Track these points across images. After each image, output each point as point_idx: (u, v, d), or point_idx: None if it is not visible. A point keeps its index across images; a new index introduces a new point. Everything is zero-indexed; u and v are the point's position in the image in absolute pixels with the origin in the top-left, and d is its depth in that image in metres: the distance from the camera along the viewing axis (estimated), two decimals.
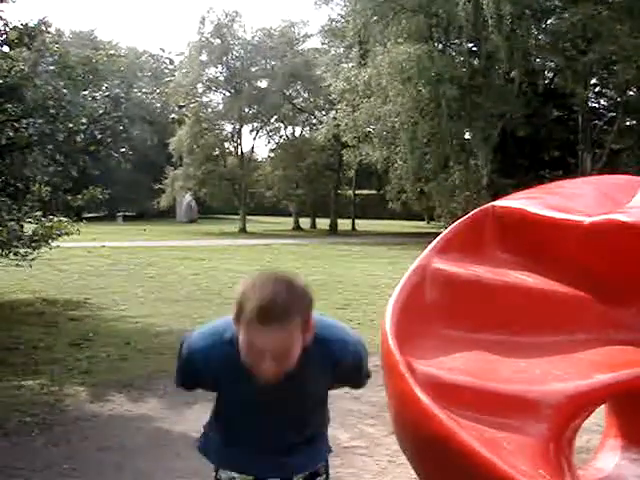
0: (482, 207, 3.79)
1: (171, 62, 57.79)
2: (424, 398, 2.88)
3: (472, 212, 3.83)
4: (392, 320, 3.26)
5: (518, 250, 3.64)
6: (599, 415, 4.18)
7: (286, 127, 48.37)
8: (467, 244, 3.67)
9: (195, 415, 5.84)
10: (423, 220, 46.20)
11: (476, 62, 31.45)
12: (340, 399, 5.94)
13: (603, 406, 4.00)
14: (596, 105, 36.31)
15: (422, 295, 3.47)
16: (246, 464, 2.59)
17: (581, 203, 3.76)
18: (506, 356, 3.28)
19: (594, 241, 3.31)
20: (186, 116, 18.79)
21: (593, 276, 3.42)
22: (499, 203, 3.72)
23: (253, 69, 45.04)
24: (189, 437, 5.31)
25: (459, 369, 3.15)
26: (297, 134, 48.44)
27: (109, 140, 10.95)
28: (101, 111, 10.60)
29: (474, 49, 32.20)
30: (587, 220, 3.32)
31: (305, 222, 47.40)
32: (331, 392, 6.10)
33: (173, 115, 16.67)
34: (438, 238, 3.73)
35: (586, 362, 3.17)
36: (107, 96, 10.96)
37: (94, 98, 10.90)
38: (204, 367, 2.39)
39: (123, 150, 11.60)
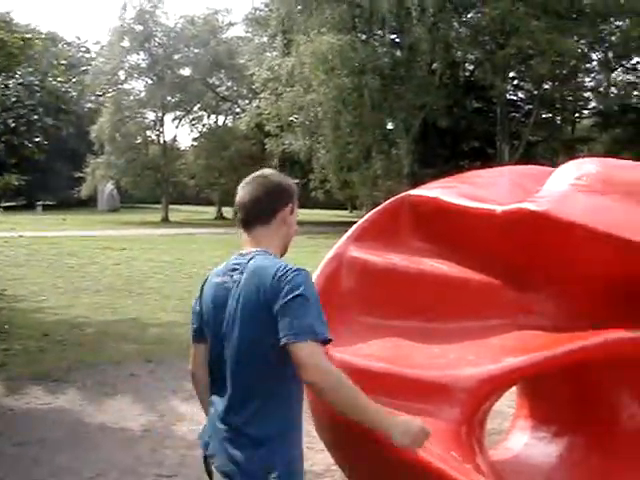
0: (397, 196, 3.85)
1: (87, 51, 56.50)
2: None
3: (388, 201, 3.88)
4: None
5: (433, 238, 3.71)
6: (512, 397, 4.31)
7: (209, 116, 47.94)
8: (383, 233, 3.72)
9: (115, 406, 5.78)
10: (346, 209, 46.46)
11: (399, 53, 31.78)
12: None
13: (515, 389, 4.13)
14: (514, 98, 37.21)
15: (338, 283, 3.51)
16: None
17: (495, 192, 3.85)
18: (421, 342, 3.35)
19: (506, 229, 3.40)
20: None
21: (505, 263, 3.51)
22: (414, 192, 3.79)
23: (176, 57, 44.40)
24: (109, 429, 5.25)
25: (375, 356, 3.20)
26: (220, 123, 48.06)
27: (23, 129, 10.63)
28: (14, 99, 10.27)
29: (397, 41, 32.52)
30: (499, 209, 3.41)
31: (228, 211, 47.06)
32: None
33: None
34: (355, 226, 3.77)
35: (498, 347, 3.26)
36: (20, 84, 10.62)
37: (7, 86, 10.56)
38: None
39: (38, 139, 11.28)
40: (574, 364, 3.30)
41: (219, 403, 2.39)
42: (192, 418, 5.17)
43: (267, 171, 2.65)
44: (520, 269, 3.47)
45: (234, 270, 2.47)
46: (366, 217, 3.86)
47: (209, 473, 2.45)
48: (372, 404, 2.28)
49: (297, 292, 2.23)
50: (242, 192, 2.58)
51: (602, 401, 3.81)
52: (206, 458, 2.45)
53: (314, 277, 3.49)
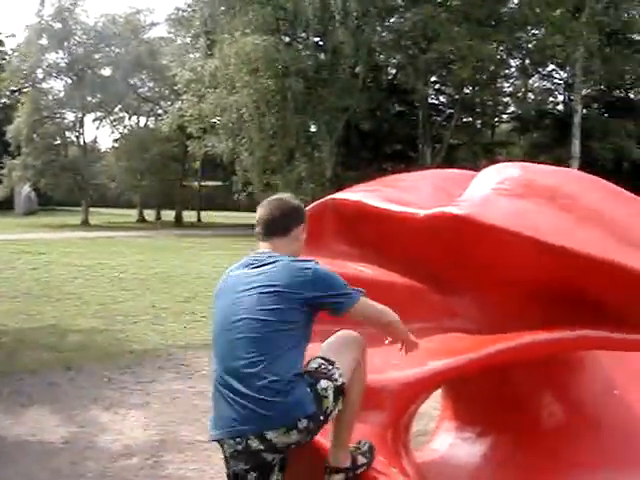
0: (321, 200, 3.83)
1: (1, 44, 54.64)
2: None
3: (311, 205, 3.86)
4: None
5: (357, 242, 3.71)
6: (438, 399, 4.34)
7: (130, 117, 47.07)
8: (310, 237, 3.69)
9: (33, 417, 5.57)
10: None
11: (322, 56, 31.86)
12: (183, 394, 5.87)
13: (440, 390, 4.17)
14: (436, 102, 37.78)
15: None
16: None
17: (418, 196, 3.87)
18: None
19: (429, 233, 3.42)
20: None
21: (429, 267, 3.54)
22: (337, 196, 3.77)
23: (96, 56, 43.40)
24: (26, 442, 5.05)
25: None
26: (142, 124, 47.30)
27: None
28: None
29: (320, 44, 32.61)
30: (422, 213, 3.42)
31: (150, 214, 46.38)
32: (175, 387, 5.96)
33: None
34: None
35: (423, 350, 3.26)
36: None
37: None
38: None
39: None
40: (497, 365, 3.34)
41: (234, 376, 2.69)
42: (114, 428, 5.02)
43: (284, 195, 3.23)
44: (444, 273, 3.50)
45: (253, 263, 2.92)
46: None
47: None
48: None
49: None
50: (261, 211, 3.06)
51: (524, 400, 3.88)
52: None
53: None
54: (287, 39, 31.78)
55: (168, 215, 45.40)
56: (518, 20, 30.23)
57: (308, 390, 2.66)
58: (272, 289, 2.76)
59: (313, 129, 31.43)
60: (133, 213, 46.56)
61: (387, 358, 3.22)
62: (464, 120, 37.67)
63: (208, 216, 47.14)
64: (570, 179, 3.44)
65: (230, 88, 29.22)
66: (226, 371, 2.74)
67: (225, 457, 2.77)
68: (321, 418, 2.68)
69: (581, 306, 3.03)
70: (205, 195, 50.71)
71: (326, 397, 2.68)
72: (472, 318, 3.45)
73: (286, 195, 3.21)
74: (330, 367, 2.78)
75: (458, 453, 3.96)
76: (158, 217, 46.90)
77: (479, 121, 40.13)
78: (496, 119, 42.24)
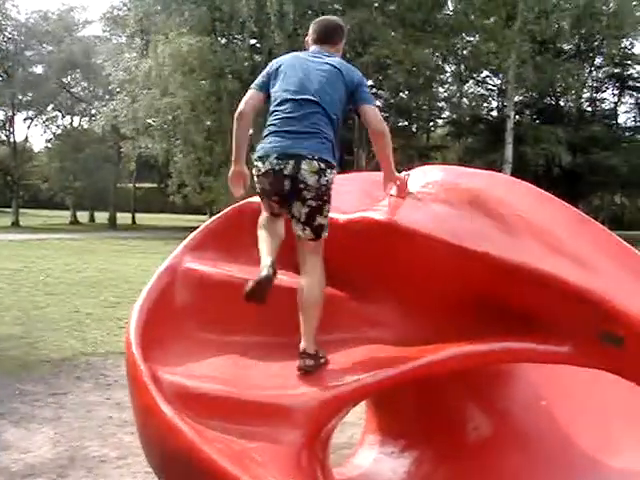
0: (239, 203, 3.64)
1: None
2: (167, 410, 2.66)
3: (228, 208, 3.66)
4: (137, 325, 3.01)
5: (280, 249, 3.51)
6: (363, 409, 4.18)
7: (64, 117, 46.15)
8: (222, 242, 3.49)
9: None
10: (205, 214, 45.90)
11: (258, 58, 31.60)
12: (100, 406, 5.57)
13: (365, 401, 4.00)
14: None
15: (172, 297, 3.25)
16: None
17: (342, 201, 3.70)
18: (260, 359, 3.14)
19: (349, 239, 3.26)
20: None
21: (350, 274, 3.37)
22: (256, 200, 3.57)
23: (27, 53, 42.40)
24: None
25: (209, 376, 2.96)
26: (75, 124, 46.37)
27: None
28: None
29: (257, 45, 32.37)
30: (342, 218, 3.26)
31: (83, 216, 45.48)
32: (91, 399, 5.65)
33: None
34: (191, 236, 3.53)
35: (342, 363, 3.10)
36: None
37: None
38: None
39: None
40: (422, 378, 3.19)
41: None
42: (20, 445, 4.69)
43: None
44: (365, 280, 3.34)
45: (316, 56, 3.44)
46: (203, 226, 3.62)
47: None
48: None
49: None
50: (322, 21, 3.71)
51: (449, 412, 3.75)
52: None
53: (145, 290, 3.22)
54: (223, 40, 31.46)
55: (102, 217, 44.54)
56: (453, 26, 30.57)
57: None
58: (335, 71, 3.31)
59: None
60: (66, 215, 45.56)
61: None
62: (400, 124, 37.90)
63: (143, 218, 46.40)
64: (496, 183, 3.30)
65: (164, 89, 28.77)
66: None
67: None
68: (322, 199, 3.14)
69: (509, 316, 2.90)
70: (140, 197, 50.03)
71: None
72: (395, 327, 3.28)
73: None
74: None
75: (381, 468, 3.80)
76: (92, 219, 46.00)
77: (414, 125, 40.47)
78: (431, 123, 42.73)
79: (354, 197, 3.73)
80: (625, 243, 2.83)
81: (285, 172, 3.09)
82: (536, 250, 2.84)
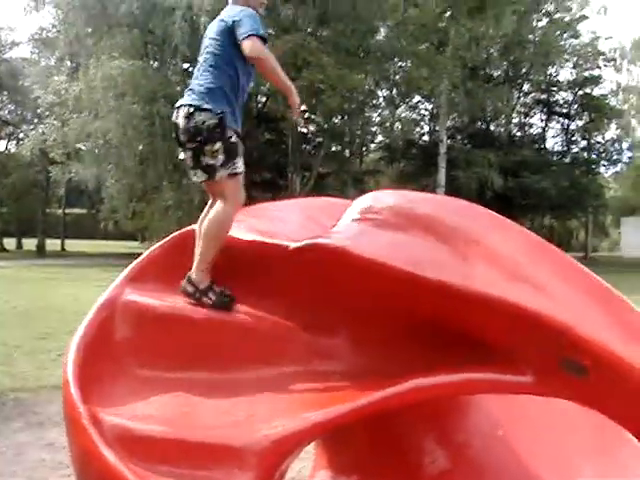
0: (181, 230, 3.47)
1: None
2: (109, 455, 2.47)
3: (170, 236, 3.49)
4: (75, 364, 2.81)
5: (223, 277, 3.35)
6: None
7: None
8: (165, 272, 3.31)
9: None
10: (137, 240, 45.14)
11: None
12: (31, 447, 5.25)
13: None
14: (304, 130, 37.92)
15: (112, 332, 3.05)
16: None
17: (286, 227, 3.58)
18: (208, 397, 2.96)
19: (299, 267, 3.11)
20: None
21: (299, 304, 3.22)
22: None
23: None
24: None
25: (154, 417, 2.77)
26: (2, 148, 45.20)
27: None
28: None
29: (190, 69, 32.14)
30: (292, 245, 3.12)
31: (10, 243, 44.16)
32: (21, 440, 5.31)
33: None
34: (132, 265, 3.33)
35: (294, 399, 2.95)
36: None
37: None
38: None
39: None
40: (377, 412, 3.05)
41: None
42: None
43: None
44: (315, 310, 3.20)
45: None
46: (145, 255, 3.43)
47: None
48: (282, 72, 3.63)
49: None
50: None
51: (404, 445, 3.62)
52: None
53: (83, 325, 3.02)
54: (155, 64, 31.12)
55: (30, 244, 43.32)
56: (386, 52, 30.91)
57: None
58: (220, 20, 3.63)
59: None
60: None
61: (254, 409, 2.87)
62: (333, 149, 38.02)
63: (73, 244, 45.33)
64: (449, 208, 3.21)
65: (95, 113, 28.25)
66: None
67: None
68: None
69: (467, 346, 2.79)
70: (70, 223, 48.94)
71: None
72: (347, 359, 3.14)
73: None
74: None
75: None
76: (19, 246, 44.73)
77: (348, 150, 40.66)
78: (365, 148, 43.02)
79: (298, 223, 3.60)
80: (586, 269, 2.76)
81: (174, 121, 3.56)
82: (493, 277, 2.75)
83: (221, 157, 3.39)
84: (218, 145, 3.37)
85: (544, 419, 3.46)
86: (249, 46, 3.39)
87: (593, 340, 2.52)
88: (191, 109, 3.42)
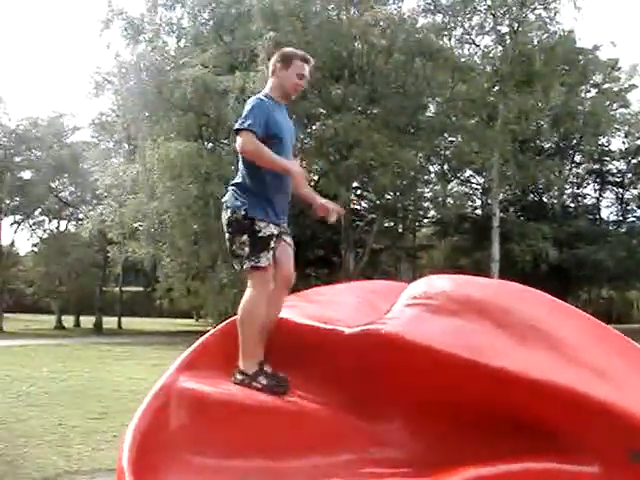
0: (233, 318, 3.48)
1: None
2: None
3: (224, 323, 3.50)
4: (131, 451, 2.80)
5: (276, 363, 3.34)
6: None
7: (50, 221, 46.19)
8: (218, 359, 3.32)
9: None
10: (192, 318, 45.47)
11: None
12: None
13: None
14: (357, 207, 38.19)
15: (167, 419, 3.05)
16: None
17: (340, 311, 3.56)
18: None
19: (354, 353, 3.09)
20: None
21: (355, 390, 3.19)
22: None
23: (17, 159, 42.80)
24: None
25: None
26: (62, 228, 46.40)
27: None
28: None
29: None
30: (347, 331, 3.10)
31: (69, 320, 44.85)
32: None
33: None
34: (186, 353, 3.35)
35: None
36: None
37: None
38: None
39: None
40: None
41: None
42: None
43: None
44: (371, 397, 3.15)
45: None
46: (198, 342, 3.44)
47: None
48: (276, 158, 3.62)
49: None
50: None
51: None
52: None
53: (138, 412, 3.02)
54: (209, 145, 31.89)
55: (88, 321, 43.99)
56: (436, 128, 31.17)
57: None
58: None
59: None
60: (51, 319, 44.98)
61: None
62: (385, 225, 38.12)
63: (129, 322, 45.87)
64: (504, 292, 3.18)
65: (151, 193, 28.92)
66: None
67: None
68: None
69: (529, 434, 2.71)
70: (126, 301, 49.61)
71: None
72: (403, 447, 3.08)
73: None
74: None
75: None
76: (77, 324, 45.44)
77: (400, 225, 40.72)
78: (417, 223, 43.01)
79: (353, 307, 3.59)
80: None
81: None
82: (555, 363, 2.69)
83: (247, 249, 3.49)
84: (245, 237, 3.51)
85: None
86: (238, 143, 3.63)
87: None
88: (224, 205, 3.70)
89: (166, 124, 30.23)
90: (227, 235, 3.62)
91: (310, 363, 3.27)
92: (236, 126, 3.64)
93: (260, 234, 3.50)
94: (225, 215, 3.63)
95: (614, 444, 2.52)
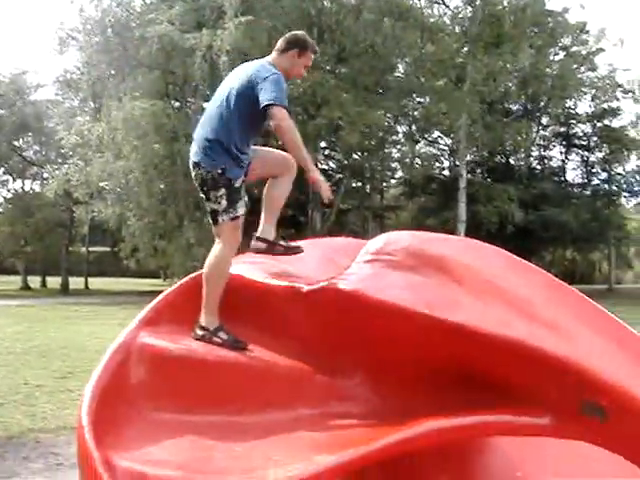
0: (195, 274, 3.48)
1: None
2: None
3: (185, 279, 3.50)
4: (90, 408, 2.80)
5: (237, 320, 3.35)
6: None
7: (15, 180, 45.56)
8: (179, 314, 3.32)
9: None
10: (160, 277, 45.29)
11: None
12: None
13: None
14: (325, 167, 38.11)
15: (127, 375, 3.05)
16: None
17: (304, 268, 3.58)
18: (223, 440, 2.94)
19: (313, 309, 3.11)
20: None
21: (315, 347, 3.22)
22: None
23: None
24: None
25: (168, 461, 2.75)
26: (27, 188, 45.81)
27: None
28: None
29: None
30: (305, 288, 3.12)
31: (35, 281, 44.50)
32: None
33: None
34: (146, 309, 3.35)
35: (309, 442, 2.92)
36: None
37: None
38: None
39: None
40: (393, 456, 3.01)
41: None
42: None
43: None
44: (331, 352, 3.18)
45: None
46: (159, 298, 3.44)
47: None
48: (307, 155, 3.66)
49: None
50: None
51: None
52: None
53: (98, 369, 3.03)
54: (176, 104, 31.51)
55: (54, 282, 43.65)
56: (404, 88, 31.12)
57: None
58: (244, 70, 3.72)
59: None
60: (17, 280, 44.54)
61: (268, 452, 2.85)
62: (353, 185, 38.12)
63: (96, 282, 45.58)
64: (463, 248, 3.20)
65: (117, 152, 28.59)
66: None
67: None
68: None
69: (484, 388, 2.76)
70: (93, 261, 49.26)
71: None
72: (364, 401, 3.12)
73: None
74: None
75: None
76: (43, 284, 45.07)
77: (368, 186, 40.77)
78: (385, 184, 43.09)
79: (315, 264, 3.60)
80: (602, 308, 2.73)
81: None
82: (509, 318, 2.73)
83: (224, 202, 3.49)
84: (222, 192, 3.49)
85: (563, 460, 3.40)
86: (277, 116, 3.48)
87: (611, 381, 2.49)
88: (194, 165, 3.59)
89: (132, 82, 29.79)
90: (202, 192, 3.57)
91: (270, 319, 3.29)
92: (269, 100, 3.49)
93: (236, 185, 3.52)
94: (198, 173, 3.56)
95: (565, 396, 2.58)
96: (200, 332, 3.33)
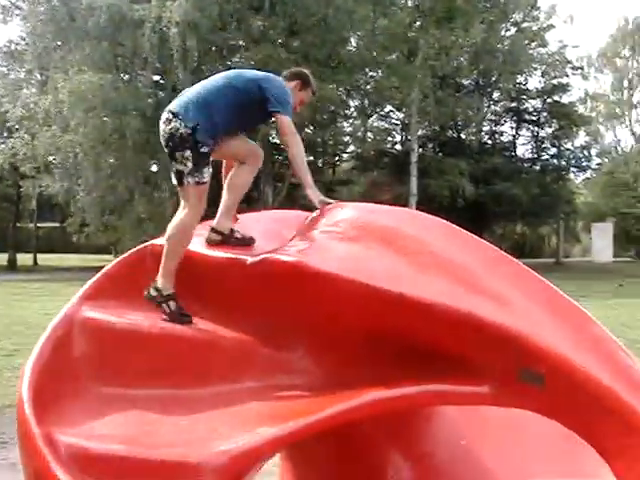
0: (137, 247, 3.45)
1: None
2: (63, 476, 2.44)
3: (129, 252, 3.47)
4: (30, 383, 2.78)
5: (182, 293, 3.33)
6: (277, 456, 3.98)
7: None
8: (123, 288, 3.28)
9: None
10: (110, 253, 44.74)
11: (162, 94, 31.19)
12: None
13: None
14: (277, 141, 37.90)
15: (69, 350, 3.02)
16: None
17: None
18: (167, 414, 2.94)
19: (257, 282, 3.11)
20: None
21: (259, 319, 3.21)
22: (158, 241, 3.39)
23: None
24: None
25: (113, 436, 2.74)
26: None
27: None
28: None
29: (160, 82, 31.99)
30: (249, 260, 3.11)
31: None
32: None
33: None
34: (89, 283, 3.31)
35: (254, 414, 2.93)
36: None
37: None
38: None
39: None
40: (337, 426, 3.04)
41: None
42: None
43: None
44: (275, 325, 3.19)
45: None
46: (102, 271, 3.41)
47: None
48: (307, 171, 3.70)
49: None
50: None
51: (368, 459, 3.61)
52: None
53: (38, 344, 2.99)
54: (126, 76, 30.95)
55: (1, 258, 42.83)
56: (356, 62, 31.04)
57: None
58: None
59: (154, 169, 30.62)
60: None
61: (213, 425, 2.85)
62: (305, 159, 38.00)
63: (45, 259, 44.84)
64: (407, 219, 3.23)
65: (65, 126, 28.03)
66: None
67: None
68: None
69: (425, 358, 2.79)
70: (42, 237, 48.36)
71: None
72: (308, 373, 3.13)
73: None
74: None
75: None
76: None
77: (320, 160, 40.71)
78: (337, 158, 43.10)
79: (261, 237, 3.59)
80: (542, 278, 2.78)
81: None
82: (450, 288, 2.76)
83: (190, 165, 3.45)
84: (188, 153, 3.44)
85: (507, 428, 3.47)
86: (286, 127, 3.64)
87: (549, 349, 2.54)
88: (170, 115, 3.52)
89: (79, 54, 29.14)
90: (167, 150, 3.54)
91: (214, 292, 3.28)
92: (278, 109, 3.62)
93: (202, 149, 3.48)
94: (167, 128, 3.51)
95: (505, 364, 2.62)
96: (154, 293, 3.31)
